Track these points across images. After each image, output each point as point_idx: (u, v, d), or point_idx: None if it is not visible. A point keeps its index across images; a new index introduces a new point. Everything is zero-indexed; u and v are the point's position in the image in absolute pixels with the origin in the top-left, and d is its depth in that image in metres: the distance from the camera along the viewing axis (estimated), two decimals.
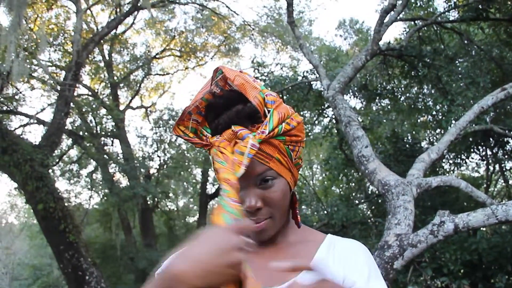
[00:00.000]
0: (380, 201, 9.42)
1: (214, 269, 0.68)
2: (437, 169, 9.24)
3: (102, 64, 13.29)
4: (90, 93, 13.31)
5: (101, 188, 12.99)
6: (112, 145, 13.43)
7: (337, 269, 0.94)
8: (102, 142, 12.68)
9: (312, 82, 8.42)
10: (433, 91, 8.46)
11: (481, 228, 7.29)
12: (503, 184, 12.48)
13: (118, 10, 11.67)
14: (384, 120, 9.48)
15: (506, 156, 9.82)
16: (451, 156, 9.65)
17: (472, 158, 10.35)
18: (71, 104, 9.71)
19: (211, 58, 14.66)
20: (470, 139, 8.29)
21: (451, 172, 10.32)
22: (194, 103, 0.97)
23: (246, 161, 0.87)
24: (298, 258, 0.93)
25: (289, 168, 0.96)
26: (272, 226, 0.97)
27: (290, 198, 1.02)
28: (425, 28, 7.16)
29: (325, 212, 9.70)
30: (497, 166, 11.19)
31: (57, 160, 11.65)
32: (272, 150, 0.92)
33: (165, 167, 14.03)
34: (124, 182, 12.98)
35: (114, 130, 12.73)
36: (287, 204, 0.99)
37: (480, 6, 6.29)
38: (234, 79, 0.92)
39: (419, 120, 10.57)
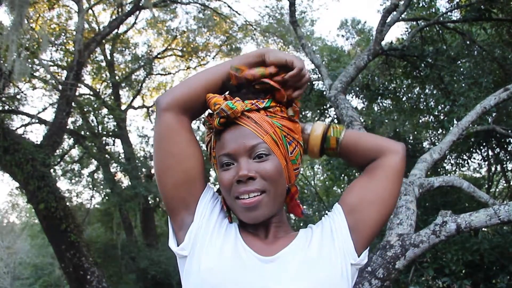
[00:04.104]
0: None
1: None
2: (439, 169, 9.23)
3: (103, 64, 13.29)
4: (91, 93, 13.33)
5: (102, 188, 13.01)
6: (113, 145, 13.45)
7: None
8: (104, 142, 12.69)
9: (314, 82, 8.41)
10: (435, 91, 8.45)
11: (483, 229, 7.27)
12: (505, 184, 12.45)
13: (119, 9, 11.68)
14: (386, 120, 9.46)
15: (508, 157, 9.80)
16: (453, 157, 9.64)
17: (474, 159, 10.34)
18: (73, 103, 9.72)
19: (213, 58, 14.66)
20: (472, 139, 8.27)
21: (453, 172, 10.30)
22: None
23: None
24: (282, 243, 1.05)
25: (284, 155, 1.03)
26: (266, 204, 1.00)
27: (287, 191, 1.09)
28: (427, 28, 7.15)
29: (327, 212, 9.68)
30: (498, 167, 11.17)
31: (59, 160, 11.66)
32: (267, 127, 1.02)
33: None
34: (125, 181, 13.01)
35: (116, 129, 12.74)
36: (283, 187, 1.04)
37: (482, 6, 6.27)
38: None
39: (421, 120, 10.56)
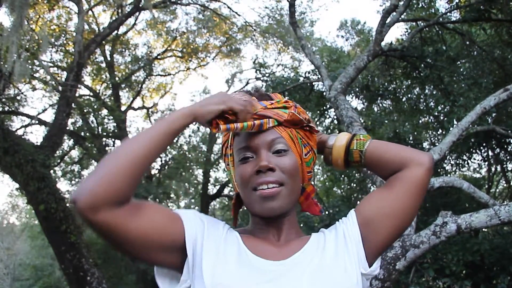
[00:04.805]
0: None
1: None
2: (439, 170, 9.23)
3: (103, 65, 13.28)
4: (91, 94, 13.32)
5: None
6: (113, 146, 13.43)
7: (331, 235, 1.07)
8: (104, 143, 12.68)
9: (313, 83, 8.41)
10: (435, 92, 8.45)
11: (483, 229, 7.27)
12: (505, 185, 12.45)
13: (119, 11, 11.67)
14: (386, 121, 9.46)
15: (508, 157, 9.81)
16: (453, 157, 9.64)
17: (474, 159, 10.34)
18: (73, 104, 9.71)
19: (213, 59, 14.66)
20: (472, 140, 8.27)
21: (453, 173, 10.30)
22: None
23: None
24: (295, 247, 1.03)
25: (300, 154, 1.06)
26: (284, 196, 1.01)
27: (302, 191, 1.10)
28: (427, 28, 7.15)
29: (327, 212, 9.68)
30: (498, 167, 11.17)
31: (59, 161, 11.66)
32: (285, 127, 1.05)
33: (166, 168, 14.03)
34: None
35: (116, 130, 12.74)
36: (298, 185, 1.06)
37: (482, 7, 6.27)
38: None
39: (421, 121, 10.55)
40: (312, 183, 1.16)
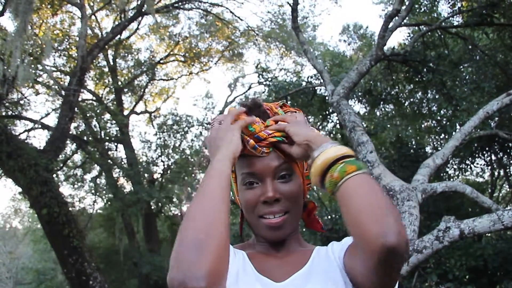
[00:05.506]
0: None
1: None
2: (442, 174, 9.20)
3: (106, 69, 13.34)
4: (94, 98, 13.37)
5: (105, 193, 13.04)
6: (116, 150, 13.48)
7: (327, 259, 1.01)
8: (106, 147, 12.72)
9: (316, 88, 8.42)
10: (437, 96, 8.44)
11: (486, 234, 7.24)
12: (508, 189, 12.41)
13: (122, 15, 11.73)
14: (389, 125, 9.46)
15: (511, 161, 9.78)
16: (456, 161, 9.62)
17: (477, 163, 10.32)
18: (76, 109, 9.74)
19: (215, 63, 14.71)
20: (475, 144, 8.25)
21: (456, 177, 10.28)
22: None
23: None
24: (296, 264, 1.01)
25: (302, 173, 1.04)
26: (289, 223, 1.02)
27: (304, 207, 1.09)
28: (429, 33, 7.15)
29: (329, 217, 9.66)
30: (502, 171, 11.14)
31: (61, 165, 11.68)
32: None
33: (169, 172, 14.04)
34: (128, 187, 13.01)
35: (118, 135, 12.77)
36: (301, 204, 1.05)
37: (484, 11, 6.27)
38: None
39: (423, 125, 10.55)
40: (313, 193, 1.13)
